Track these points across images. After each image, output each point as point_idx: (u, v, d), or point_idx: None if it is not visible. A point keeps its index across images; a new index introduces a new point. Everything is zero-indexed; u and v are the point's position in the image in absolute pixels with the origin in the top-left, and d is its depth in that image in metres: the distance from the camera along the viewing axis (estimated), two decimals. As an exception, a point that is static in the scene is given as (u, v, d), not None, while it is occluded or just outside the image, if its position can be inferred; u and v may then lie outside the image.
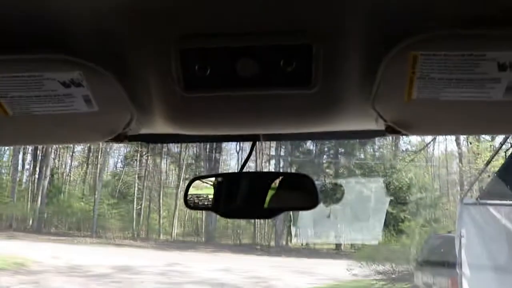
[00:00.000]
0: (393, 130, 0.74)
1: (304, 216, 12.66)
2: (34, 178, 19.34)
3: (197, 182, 1.08)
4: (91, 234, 16.81)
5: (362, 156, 17.65)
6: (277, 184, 1.04)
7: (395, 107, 0.69)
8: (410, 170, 15.01)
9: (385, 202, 12.28)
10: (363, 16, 0.59)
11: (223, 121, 0.77)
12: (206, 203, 1.07)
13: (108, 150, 19.08)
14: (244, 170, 1.18)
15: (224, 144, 17.54)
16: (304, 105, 0.71)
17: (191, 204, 1.05)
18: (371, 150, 17.61)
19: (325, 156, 18.80)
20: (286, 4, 0.58)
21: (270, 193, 1.02)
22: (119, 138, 0.72)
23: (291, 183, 1.08)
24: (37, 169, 19.37)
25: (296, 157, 18.29)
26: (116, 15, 0.56)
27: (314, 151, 18.36)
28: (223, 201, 1.06)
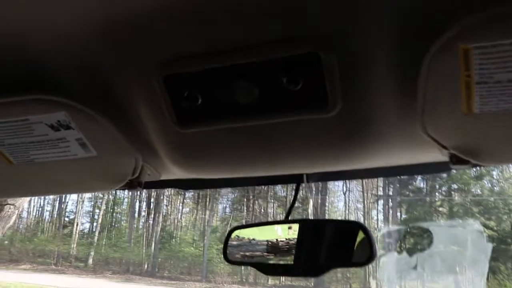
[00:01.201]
0: (459, 160, 0.57)
1: (385, 266, 11.02)
2: (148, 224, 21.03)
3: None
4: (201, 278, 17.51)
5: (479, 191, 15.99)
6: (326, 233, 0.93)
7: (453, 127, 0.51)
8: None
9: (486, 250, 9.88)
10: (382, 8, 0.45)
11: (238, 161, 0.67)
12: (249, 255, 0.97)
13: (216, 195, 19.76)
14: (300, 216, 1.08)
15: (329, 185, 17.47)
16: (329, 133, 0.57)
17: (232, 258, 0.95)
18: (489, 184, 15.87)
19: (437, 194, 17.52)
20: (279, 4, 0.46)
21: (318, 244, 0.91)
22: (132, 186, 0.67)
23: (343, 233, 0.94)
24: (151, 215, 21.03)
25: (405, 196, 17.29)
26: (91, 44, 0.52)
27: (424, 189, 17.27)
28: (266, 254, 0.95)
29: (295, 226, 0.96)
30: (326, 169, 0.69)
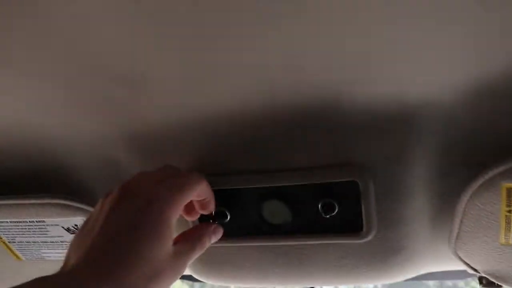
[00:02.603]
0: (489, 283, 0.58)
1: None
2: None
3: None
4: None
5: None
6: None
7: (489, 256, 0.51)
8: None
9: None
10: (430, 142, 0.46)
11: (262, 277, 0.64)
12: None
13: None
14: None
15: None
16: (358, 256, 0.57)
17: None
18: None
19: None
20: (323, 133, 0.47)
21: None
22: None
23: None
24: None
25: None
26: (116, 151, 0.53)
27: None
28: None
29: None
30: (355, 284, 0.67)
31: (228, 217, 0.53)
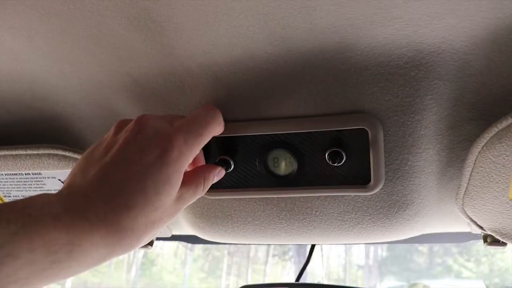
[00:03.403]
0: (494, 240, 0.59)
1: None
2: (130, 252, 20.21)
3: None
4: (180, 309, 16.79)
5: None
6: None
7: (496, 212, 0.51)
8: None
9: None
10: (442, 90, 0.45)
11: (264, 231, 0.64)
12: None
13: (199, 224, 18.95)
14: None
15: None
16: (364, 210, 0.56)
17: None
18: None
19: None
20: (333, 79, 0.46)
21: None
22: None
23: None
24: None
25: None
26: (115, 99, 0.53)
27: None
28: None
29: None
30: (360, 242, 0.68)
31: (232, 167, 0.53)
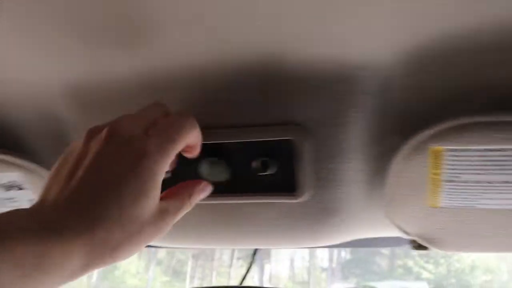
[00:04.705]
0: (419, 246, 0.60)
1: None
2: None
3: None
4: (143, 312, 16.46)
5: None
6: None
7: (418, 218, 0.53)
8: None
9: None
10: (366, 104, 0.47)
11: (201, 236, 0.64)
12: None
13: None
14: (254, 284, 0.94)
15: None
16: (294, 217, 0.57)
17: None
18: None
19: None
20: (260, 91, 0.47)
21: None
22: None
23: None
24: None
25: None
26: (55, 104, 0.51)
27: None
28: None
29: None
30: (292, 247, 0.67)
31: (169, 174, 0.52)
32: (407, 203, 0.51)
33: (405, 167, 0.48)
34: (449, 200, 0.49)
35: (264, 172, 0.50)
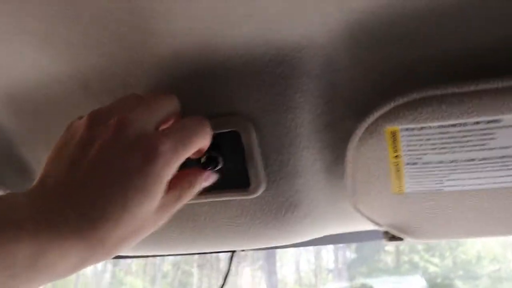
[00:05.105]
0: (393, 237, 0.59)
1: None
2: (97, 270, 19.87)
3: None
4: (151, 327, 16.50)
5: None
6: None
7: (384, 206, 0.52)
8: (476, 242, 13.23)
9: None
10: (311, 87, 0.45)
11: (160, 242, 0.63)
12: None
13: (168, 239, 18.75)
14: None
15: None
16: (255, 215, 0.56)
17: None
18: None
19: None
20: (199, 81, 0.45)
21: None
22: None
23: None
24: (100, 262, 19.96)
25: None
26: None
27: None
28: None
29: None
30: (259, 246, 0.67)
31: None
32: (371, 192, 0.51)
33: (362, 153, 0.46)
34: (414, 184, 0.48)
35: (213, 168, 0.47)
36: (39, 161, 0.55)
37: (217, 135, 0.49)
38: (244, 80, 0.45)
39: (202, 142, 0.45)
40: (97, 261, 0.39)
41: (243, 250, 0.88)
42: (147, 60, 0.42)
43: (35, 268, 0.34)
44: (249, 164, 0.49)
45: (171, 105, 0.45)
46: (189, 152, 0.44)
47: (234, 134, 0.49)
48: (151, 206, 0.41)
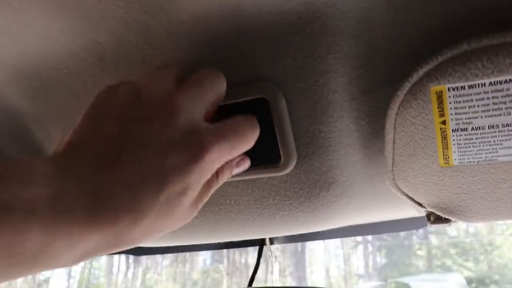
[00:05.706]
0: (437, 218, 0.51)
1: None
2: (128, 279, 20.06)
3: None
4: (183, 334, 16.55)
5: (455, 233, 15.72)
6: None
7: (429, 182, 0.44)
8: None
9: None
10: (345, 47, 0.40)
11: (183, 231, 0.58)
12: None
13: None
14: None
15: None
16: (281, 194, 0.50)
17: None
18: (465, 225, 15.58)
19: (414, 237, 17.03)
20: (226, 46, 0.41)
21: None
22: None
23: None
24: (130, 269, 20.18)
25: (384, 241, 16.72)
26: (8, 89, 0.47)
27: (402, 233, 16.67)
28: None
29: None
30: (289, 233, 0.60)
31: None
32: (414, 166, 0.43)
33: (403, 119, 0.40)
34: (463, 155, 0.40)
35: None
36: (51, 140, 0.52)
37: (244, 104, 0.45)
38: (271, 43, 0.40)
39: (248, 148, 0.42)
40: (109, 252, 0.35)
41: (272, 243, 0.84)
42: (166, 27, 0.40)
43: (41, 257, 0.29)
44: (278, 135, 0.44)
45: (222, 86, 0.41)
46: (234, 156, 0.41)
47: (261, 103, 0.43)
48: (186, 204, 0.37)
